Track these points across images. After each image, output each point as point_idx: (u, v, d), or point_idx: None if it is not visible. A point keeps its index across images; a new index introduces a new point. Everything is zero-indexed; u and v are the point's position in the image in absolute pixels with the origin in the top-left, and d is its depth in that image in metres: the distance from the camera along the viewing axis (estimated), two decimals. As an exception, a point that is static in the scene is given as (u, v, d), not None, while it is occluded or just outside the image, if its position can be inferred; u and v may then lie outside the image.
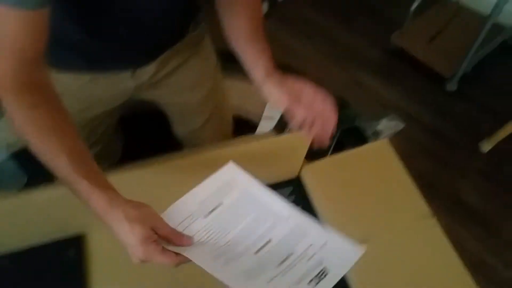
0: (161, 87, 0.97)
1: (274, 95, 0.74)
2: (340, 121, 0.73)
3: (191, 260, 0.58)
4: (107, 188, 0.60)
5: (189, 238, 0.63)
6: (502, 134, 1.83)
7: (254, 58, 0.77)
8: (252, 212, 0.69)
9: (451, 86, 2.10)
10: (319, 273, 0.63)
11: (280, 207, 0.70)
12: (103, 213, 0.58)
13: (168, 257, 0.57)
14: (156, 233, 0.58)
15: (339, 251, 0.66)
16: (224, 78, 1.11)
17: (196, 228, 0.66)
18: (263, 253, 0.65)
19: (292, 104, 0.73)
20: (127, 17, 0.73)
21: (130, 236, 0.56)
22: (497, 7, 1.77)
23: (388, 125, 0.89)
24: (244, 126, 1.53)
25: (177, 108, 1.08)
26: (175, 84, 0.98)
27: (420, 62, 2.13)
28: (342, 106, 0.70)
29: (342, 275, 0.63)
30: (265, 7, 2.34)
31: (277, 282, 0.61)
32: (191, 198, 0.69)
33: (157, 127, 1.19)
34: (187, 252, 0.59)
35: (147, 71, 0.90)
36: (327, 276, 0.63)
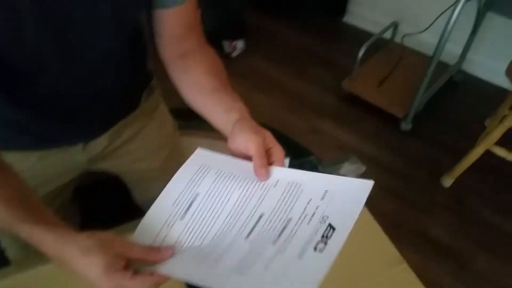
0: (116, 157, 0.94)
1: (244, 137, 0.64)
2: (303, 169, 0.71)
3: (170, 277, 0.52)
4: (55, 226, 0.55)
5: (167, 248, 0.56)
6: (461, 167, 1.89)
7: (226, 107, 0.71)
8: (234, 192, 0.61)
9: (406, 126, 2.17)
10: (324, 232, 0.53)
11: None
12: (56, 253, 0.53)
13: (140, 281, 0.51)
14: (125, 258, 0.52)
15: (343, 194, 0.58)
16: (182, 137, 1.10)
17: (176, 234, 0.58)
18: (255, 235, 0.56)
19: (259, 154, 0.65)
20: (67, 93, 0.71)
21: (89, 269, 0.50)
22: (439, 47, 1.88)
23: (350, 169, 0.89)
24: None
25: (134, 177, 1.04)
26: (130, 153, 0.95)
27: (373, 105, 2.20)
28: (303, 154, 0.70)
29: (353, 222, 0.54)
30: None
31: (275, 266, 0.51)
32: (163, 203, 0.61)
33: (116, 194, 1.15)
34: (164, 268, 0.52)
35: (100, 143, 0.87)
36: (334, 233, 0.53)
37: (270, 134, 0.65)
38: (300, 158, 0.72)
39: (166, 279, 0.53)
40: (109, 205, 1.24)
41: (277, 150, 0.65)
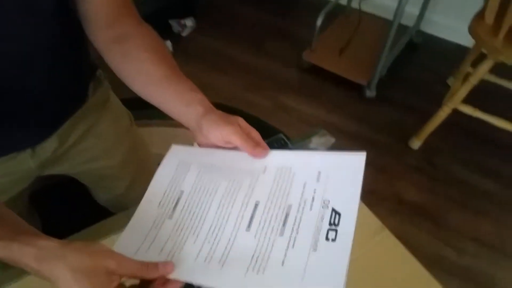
0: (69, 159, 0.88)
1: (222, 132, 0.63)
2: (272, 148, 0.71)
3: None
4: (36, 238, 0.49)
5: (167, 264, 0.51)
6: (428, 128, 1.92)
7: (185, 99, 0.67)
8: (220, 183, 0.60)
9: (370, 93, 2.19)
10: (330, 219, 0.52)
11: (250, 161, 0.60)
12: (40, 270, 0.47)
13: None
14: (118, 276, 0.48)
15: (338, 173, 0.57)
16: (140, 128, 1.05)
17: (166, 233, 0.56)
18: (257, 225, 0.54)
19: (246, 140, 0.63)
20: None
21: None
22: (399, 10, 1.89)
23: (320, 142, 0.89)
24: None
25: (93, 177, 0.99)
26: (84, 153, 0.89)
27: (336, 75, 2.20)
28: (270, 132, 0.69)
29: (357, 202, 0.53)
30: (168, 44, 2.31)
31: (291, 262, 0.50)
32: (147, 206, 0.59)
33: (76, 197, 1.11)
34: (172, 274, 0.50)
35: (49, 146, 0.81)
36: (341, 218, 0.52)
37: (241, 118, 0.64)
38: (268, 137, 0.71)
39: None
40: (70, 209, 1.20)
41: (254, 133, 0.63)
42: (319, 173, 0.58)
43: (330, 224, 0.52)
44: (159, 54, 0.71)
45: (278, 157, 0.62)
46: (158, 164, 1.09)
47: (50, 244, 0.49)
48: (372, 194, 1.79)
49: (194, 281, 0.51)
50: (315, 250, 0.51)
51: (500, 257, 1.66)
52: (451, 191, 1.86)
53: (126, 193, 1.02)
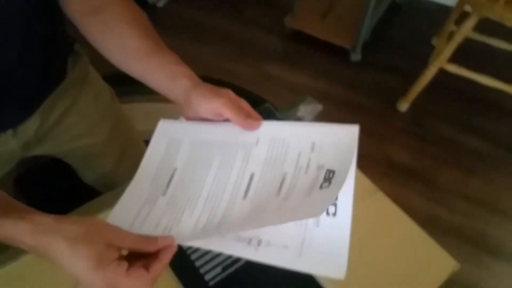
0: (52, 138, 0.85)
1: (212, 105, 0.62)
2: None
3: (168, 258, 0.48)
4: (30, 214, 0.48)
5: (166, 238, 0.50)
6: (415, 90, 1.92)
7: (170, 73, 0.65)
8: (214, 157, 0.60)
9: (356, 57, 2.17)
10: (325, 176, 0.54)
11: (242, 133, 0.60)
12: (37, 245, 0.46)
13: (136, 277, 0.45)
14: (116, 248, 0.46)
15: (332, 144, 0.58)
16: (123, 105, 1.03)
17: (160, 209, 0.55)
18: (253, 193, 0.55)
19: (237, 112, 0.62)
20: None
21: (76, 263, 0.44)
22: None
23: (307, 110, 0.88)
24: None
25: (78, 156, 0.96)
26: (67, 131, 0.87)
27: (320, 40, 2.17)
28: (256, 102, 0.67)
29: (352, 166, 0.54)
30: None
31: (284, 208, 0.51)
32: (139, 183, 0.59)
33: (62, 178, 1.08)
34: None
35: (31, 126, 0.79)
36: (335, 174, 0.53)
37: (231, 91, 0.62)
38: (255, 107, 0.69)
39: (161, 271, 0.48)
40: (57, 191, 1.18)
41: (244, 104, 0.62)
42: (313, 143, 0.59)
43: (324, 179, 0.53)
44: (139, 24, 0.68)
45: (270, 129, 0.62)
46: (144, 140, 1.08)
47: (45, 218, 0.47)
48: (362, 158, 1.77)
49: (195, 242, 0.52)
50: (309, 196, 0.52)
51: (491, 213, 1.70)
52: (440, 151, 1.88)
53: (113, 171, 1.00)
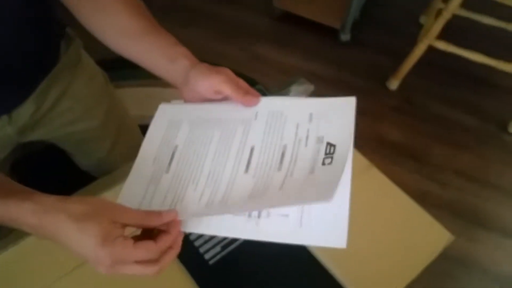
0: (48, 123, 0.85)
1: (211, 81, 0.62)
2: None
3: (177, 232, 0.49)
4: (33, 195, 0.47)
5: (170, 212, 0.50)
6: (405, 68, 1.93)
7: (168, 54, 0.65)
8: (214, 133, 0.61)
9: (345, 36, 2.17)
10: (326, 150, 0.54)
11: (239, 109, 0.62)
12: (41, 225, 0.45)
13: (145, 248, 0.46)
14: (122, 225, 0.46)
15: (330, 115, 0.58)
16: (118, 89, 1.03)
17: (165, 186, 0.57)
18: (254, 167, 0.56)
19: (236, 88, 0.62)
20: None
21: (83, 241, 0.44)
22: None
23: (299, 90, 0.89)
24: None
25: (73, 141, 0.96)
26: (62, 116, 0.87)
27: (309, 20, 2.17)
28: (249, 84, 0.68)
29: (351, 137, 0.55)
30: None
31: (288, 186, 0.52)
32: (142, 164, 0.60)
33: (57, 164, 1.08)
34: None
35: (26, 111, 0.78)
36: (336, 148, 0.54)
37: (228, 69, 0.63)
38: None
39: (171, 242, 0.49)
40: (52, 177, 1.18)
41: (242, 82, 0.63)
42: (311, 114, 0.60)
43: (326, 154, 0.54)
44: (133, 4, 0.68)
45: (268, 103, 0.63)
46: (139, 125, 1.09)
47: (49, 198, 0.47)
48: (355, 138, 1.80)
49: (200, 216, 0.53)
50: (312, 173, 0.53)
51: (482, 188, 1.73)
52: (431, 128, 1.90)
53: (108, 155, 1.01)
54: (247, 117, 0.62)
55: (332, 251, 0.50)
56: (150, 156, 0.61)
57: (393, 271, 0.71)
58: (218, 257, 0.68)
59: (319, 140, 0.56)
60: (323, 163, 0.53)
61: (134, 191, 0.58)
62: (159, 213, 0.50)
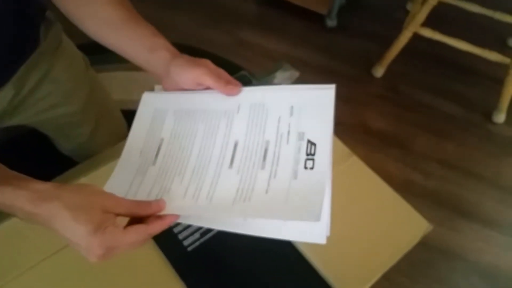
0: (27, 108, 0.86)
1: (192, 74, 0.64)
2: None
3: (171, 220, 0.52)
4: (29, 182, 0.49)
5: (158, 201, 0.54)
6: (390, 55, 1.95)
7: (148, 44, 0.66)
8: (198, 126, 0.63)
9: (331, 22, 2.18)
10: (307, 149, 0.57)
11: (223, 100, 0.64)
12: (35, 212, 0.47)
13: (135, 232, 0.49)
14: (113, 214, 0.49)
15: (310, 106, 0.61)
16: (99, 73, 1.03)
17: (152, 179, 0.59)
18: (238, 162, 0.58)
19: (217, 79, 0.64)
20: None
21: (75, 228, 0.46)
22: None
23: (284, 76, 0.90)
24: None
25: (54, 125, 0.97)
26: (43, 101, 0.87)
27: (295, 5, 2.17)
28: (233, 70, 0.69)
29: (331, 132, 0.58)
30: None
31: (273, 189, 0.54)
32: (129, 156, 0.62)
33: (38, 148, 1.09)
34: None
35: (4, 96, 0.79)
36: (317, 148, 0.56)
37: (209, 61, 0.65)
38: (231, 75, 0.71)
39: (161, 226, 0.52)
40: (33, 161, 1.18)
41: (223, 73, 0.65)
42: (292, 107, 0.61)
43: (307, 154, 0.56)
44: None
45: (250, 95, 0.64)
46: (120, 109, 1.09)
47: (44, 186, 0.49)
48: (339, 125, 1.81)
49: (186, 213, 0.55)
50: (295, 178, 0.55)
51: (466, 177, 1.76)
52: (416, 116, 1.93)
53: (90, 140, 1.02)
54: (230, 109, 0.63)
55: (309, 238, 0.52)
56: (137, 148, 0.63)
57: (371, 259, 0.73)
58: (197, 243, 0.70)
59: (300, 136, 0.58)
60: (305, 167, 0.55)
61: (120, 181, 0.60)
62: (148, 203, 0.53)
